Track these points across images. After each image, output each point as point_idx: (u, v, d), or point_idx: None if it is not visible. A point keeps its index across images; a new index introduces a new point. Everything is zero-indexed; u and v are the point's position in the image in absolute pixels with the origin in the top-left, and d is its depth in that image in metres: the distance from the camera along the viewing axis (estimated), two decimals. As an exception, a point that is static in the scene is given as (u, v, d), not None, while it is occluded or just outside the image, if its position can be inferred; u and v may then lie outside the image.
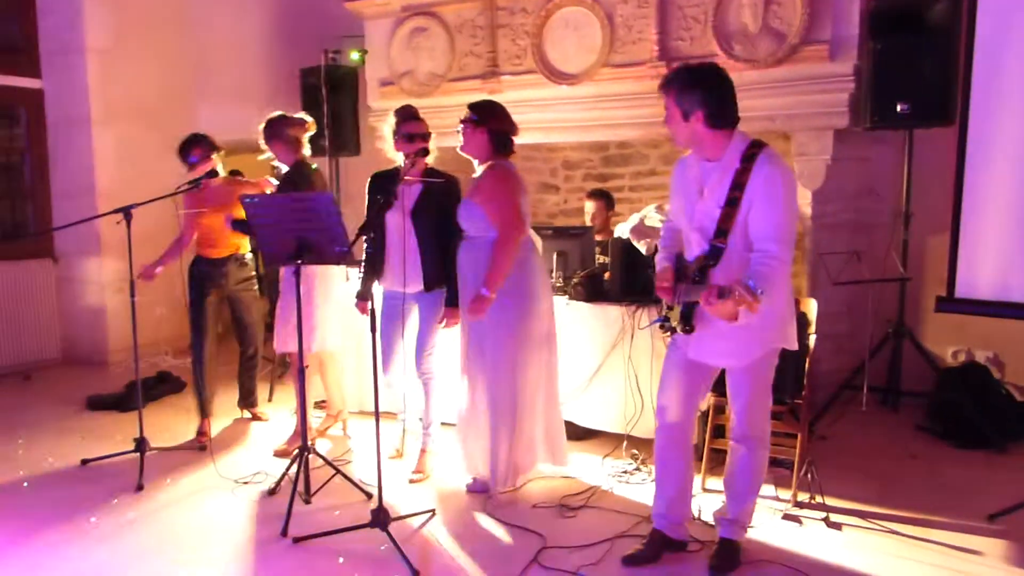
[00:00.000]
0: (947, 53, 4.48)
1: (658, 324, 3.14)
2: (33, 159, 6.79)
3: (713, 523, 3.27)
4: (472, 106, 3.77)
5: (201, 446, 4.54)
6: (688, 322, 2.90)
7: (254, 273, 4.89)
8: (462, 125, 3.74)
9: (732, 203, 2.76)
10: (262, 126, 4.36)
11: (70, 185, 6.74)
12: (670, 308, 3.00)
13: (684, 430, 3.13)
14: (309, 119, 4.45)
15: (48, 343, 6.75)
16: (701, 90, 2.78)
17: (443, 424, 4.24)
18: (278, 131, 4.32)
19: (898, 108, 4.57)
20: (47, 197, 6.84)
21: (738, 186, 2.75)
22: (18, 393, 5.92)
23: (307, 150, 4.42)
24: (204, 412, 4.73)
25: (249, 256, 4.85)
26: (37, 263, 6.71)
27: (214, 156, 4.66)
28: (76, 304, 6.80)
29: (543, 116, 5.71)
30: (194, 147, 4.63)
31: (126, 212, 4.03)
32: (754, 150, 2.78)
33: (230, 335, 5.10)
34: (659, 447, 3.17)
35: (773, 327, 2.90)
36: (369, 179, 4.08)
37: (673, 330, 3.01)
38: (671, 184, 3.09)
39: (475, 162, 3.82)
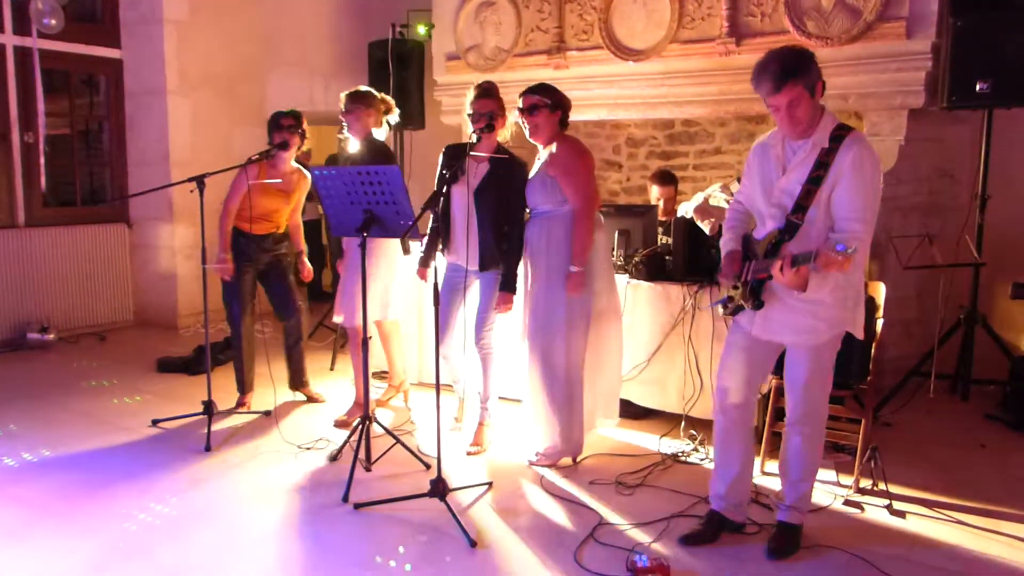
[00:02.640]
0: (1033, 30, 4.29)
1: (721, 305, 3.11)
2: (112, 127, 7.02)
3: (772, 506, 3.26)
4: (536, 92, 3.79)
5: (266, 411, 4.65)
6: (757, 297, 2.88)
7: (285, 247, 4.76)
8: (535, 112, 3.76)
9: (815, 181, 2.75)
10: (353, 94, 4.35)
11: (146, 153, 6.95)
12: (735, 288, 2.97)
13: (745, 412, 3.11)
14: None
15: (122, 306, 7.01)
16: (813, 64, 2.75)
17: (501, 399, 4.29)
18: (373, 103, 4.37)
19: (978, 87, 4.41)
20: (124, 164, 7.07)
21: (823, 164, 2.75)
22: (94, 353, 6.17)
23: (384, 128, 4.50)
24: (243, 388, 4.76)
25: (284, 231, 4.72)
26: (113, 228, 6.96)
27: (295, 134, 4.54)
28: (148, 269, 7.04)
29: (608, 92, 5.66)
30: (274, 128, 4.56)
31: (199, 181, 4.12)
32: (842, 131, 2.77)
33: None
34: (719, 429, 3.16)
35: (844, 307, 2.86)
36: (442, 151, 4.12)
37: (738, 310, 2.98)
38: (747, 166, 3.06)
39: (539, 145, 3.87)
